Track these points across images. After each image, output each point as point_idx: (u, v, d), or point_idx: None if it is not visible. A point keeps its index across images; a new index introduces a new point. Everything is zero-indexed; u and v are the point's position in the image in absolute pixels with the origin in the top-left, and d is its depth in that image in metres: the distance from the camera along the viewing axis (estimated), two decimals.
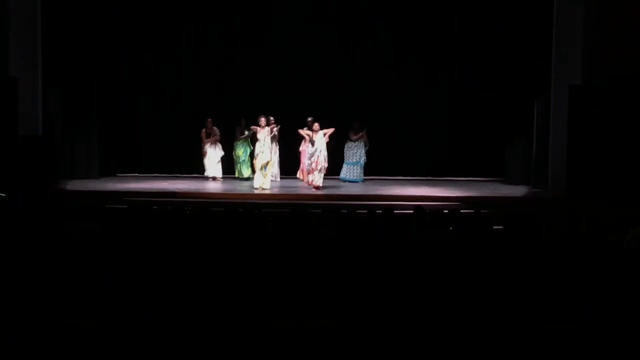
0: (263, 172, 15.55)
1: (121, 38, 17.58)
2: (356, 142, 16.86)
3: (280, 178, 16.89)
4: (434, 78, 17.88)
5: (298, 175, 16.84)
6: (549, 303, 5.53)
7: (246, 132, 16.69)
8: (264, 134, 15.66)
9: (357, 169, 16.92)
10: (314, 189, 15.43)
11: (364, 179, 16.96)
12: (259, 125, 15.69)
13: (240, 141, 17.10)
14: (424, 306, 5.49)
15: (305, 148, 16.23)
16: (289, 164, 17.12)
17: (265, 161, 15.57)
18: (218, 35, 18.17)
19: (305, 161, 16.14)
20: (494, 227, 7.89)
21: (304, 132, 15.89)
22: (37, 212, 8.71)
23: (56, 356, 5.12)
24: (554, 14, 15.29)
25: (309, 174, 15.68)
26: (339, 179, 16.86)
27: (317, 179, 15.45)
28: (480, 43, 17.41)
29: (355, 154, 16.87)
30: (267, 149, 15.65)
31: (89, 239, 7.02)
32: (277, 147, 16.69)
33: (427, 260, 6.28)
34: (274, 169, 16.71)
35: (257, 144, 15.71)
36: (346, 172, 16.95)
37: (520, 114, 16.53)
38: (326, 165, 15.55)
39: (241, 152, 17.14)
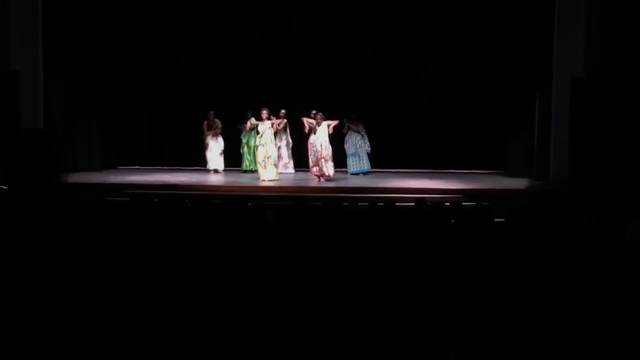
0: (263, 164, 15.59)
1: (123, 30, 17.58)
2: (350, 134, 16.88)
3: (295, 170, 17.04)
4: (435, 70, 17.87)
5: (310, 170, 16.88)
6: (550, 295, 5.53)
7: (247, 124, 16.62)
8: (265, 127, 15.70)
9: (356, 160, 16.91)
10: (324, 179, 15.43)
11: (370, 170, 16.97)
12: (262, 118, 15.77)
13: (245, 133, 17.15)
14: (425, 299, 5.49)
15: (312, 141, 16.28)
16: (297, 156, 17.15)
17: (267, 154, 15.61)
18: (220, 27, 18.17)
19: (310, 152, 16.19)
20: (496, 219, 7.88)
21: (307, 120, 15.86)
22: (39, 205, 8.71)
23: (56, 351, 5.12)
24: (556, 6, 15.25)
25: (314, 166, 15.67)
26: (343, 171, 16.87)
27: (325, 169, 15.45)
28: (481, 35, 17.36)
29: (351, 146, 16.89)
30: (269, 142, 15.68)
31: (91, 231, 7.02)
32: (288, 139, 16.85)
33: (428, 253, 6.28)
34: (285, 160, 16.85)
35: (258, 137, 15.81)
36: (349, 164, 16.98)
37: (521, 106, 16.49)
38: (330, 152, 15.56)
39: (245, 144, 17.23)
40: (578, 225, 7.29)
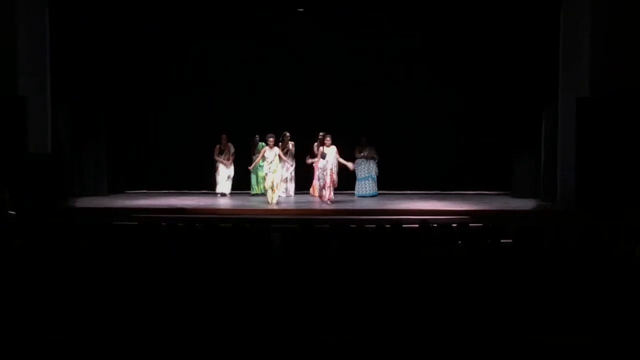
0: (273, 188, 15.60)
1: (130, 54, 17.68)
2: (363, 158, 16.91)
3: (295, 193, 16.99)
4: (442, 92, 17.91)
5: (310, 192, 16.88)
6: (558, 316, 5.51)
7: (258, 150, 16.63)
8: (273, 153, 15.71)
9: (369, 183, 16.95)
10: (327, 202, 15.47)
11: (378, 193, 16.97)
12: (268, 144, 15.78)
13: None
14: (432, 320, 5.47)
15: (317, 163, 16.31)
16: (302, 180, 17.14)
17: (276, 181, 15.63)
18: (228, 52, 18.23)
19: (317, 175, 16.21)
20: (503, 240, 7.86)
21: (317, 150, 15.95)
22: (46, 230, 8.73)
23: None
24: (561, 26, 15.28)
25: (322, 189, 15.71)
26: (351, 194, 16.89)
27: (328, 193, 15.54)
28: (487, 56, 17.42)
29: (364, 169, 16.90)
30: (278, 169, 15.71)
31: (99, 256, 7.03)
32: (293, 162, 16.82)
33: (435, 274, 6.26)
34: (289, 184, 16.83)
35: (265, 163, 15.77)
36: (358, 187, 16.99)
37: (528, 127, 16.51)
38: (336, 179, 15.65)
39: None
40: (585, 245, 7.27)
